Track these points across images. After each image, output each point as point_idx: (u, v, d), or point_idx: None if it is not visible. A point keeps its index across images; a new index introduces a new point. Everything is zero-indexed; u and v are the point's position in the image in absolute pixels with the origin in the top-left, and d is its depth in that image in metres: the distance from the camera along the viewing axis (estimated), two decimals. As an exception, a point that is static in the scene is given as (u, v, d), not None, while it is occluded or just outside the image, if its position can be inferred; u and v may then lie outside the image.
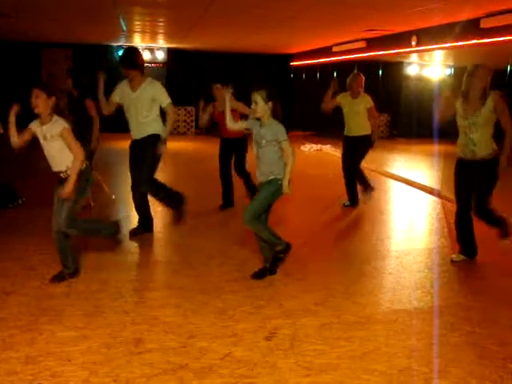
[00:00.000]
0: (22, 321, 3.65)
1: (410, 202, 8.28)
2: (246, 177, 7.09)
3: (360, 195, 7.42)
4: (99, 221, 5.40)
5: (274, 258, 4.63)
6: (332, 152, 12.76)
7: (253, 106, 4.39)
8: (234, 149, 7.03)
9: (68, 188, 4.12)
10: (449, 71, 16.82)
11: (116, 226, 4.79)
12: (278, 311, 3.95)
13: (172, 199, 5.80)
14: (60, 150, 4.19)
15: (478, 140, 4.86)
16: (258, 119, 4.43)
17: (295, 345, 3.45)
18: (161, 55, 16.61)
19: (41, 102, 4.10)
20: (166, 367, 3.12)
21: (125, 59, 5.45)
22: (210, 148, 10.37)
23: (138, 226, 5.81)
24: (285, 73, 17.71)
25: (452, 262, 5.15)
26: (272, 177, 4.46)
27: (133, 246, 5.49)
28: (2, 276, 4.46)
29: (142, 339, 3.45)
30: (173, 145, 12.85)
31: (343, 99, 7.17)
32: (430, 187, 8.81)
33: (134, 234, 5.70)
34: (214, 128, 7.28)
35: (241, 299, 4.16)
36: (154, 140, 5.49)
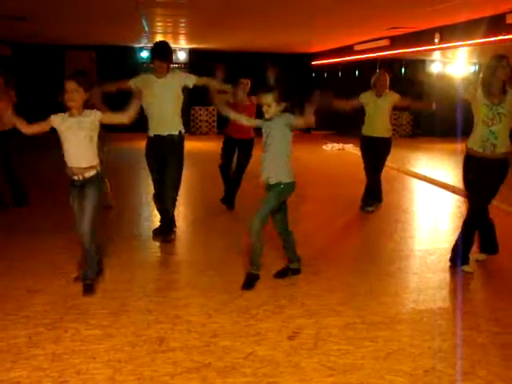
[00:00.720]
0: (47, 319, 3.70)
1: (433, 200, 8.19)
2: (236, 182, 7.06)
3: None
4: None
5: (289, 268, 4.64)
6: (354, 151, 12.69)
7: (265, 108, 4.28)
8: (239, 149, 6.94)
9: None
10: (473, 68, 16.59)
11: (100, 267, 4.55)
12: (301, 310, 3.94)
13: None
14: (87, 142, 4.07)
15: (499, 133, 4.64)
16: (268, 120, 4.36)
17: (319, 344, 3.44)
18: (183, 56, 16.69)
19: (78, 97, 3.98)
20: (190, 366, 3.14)
21: (162, 52, 5.33)
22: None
23: (162, 226, 5.77)
24: (306, 72, 17.65)
25: (476, 261, 5.07)
26: (277, 180, 4.36)
27: (156, 246, 5.52)
28: (27, 275, 4.52)
29: (165, 338, 3.47)
30: (194, 144, 12.92)
31: (367, 98, 7.04)
32: (453, 186, 8.70)
33: (157, 234, 5.73)
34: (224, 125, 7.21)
35: (264, 298, 4.15)
36: (180, 138, 5.48)
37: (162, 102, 5.34)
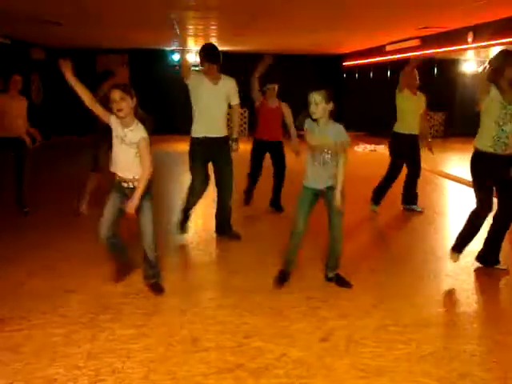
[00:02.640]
0: (83, 318, 3.77)
1: (466, 202, 8.05)
2: (254, 186, 7.12)
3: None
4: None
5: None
6: (387, 152, 12.58)
7: (313, 106, 4.18)
8: (271, 153, 6.95)
9: (134, 203, 3.92)
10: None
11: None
12: (334, 312, 3.93)
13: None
14: (133, 157, 3.99)
15: (510, 132, 4.51)
16: (315, 120, 4.27)
17: (351, 346, 3.43)
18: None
19: (126, 105, 3.89)
20: (223, 366, 3.16)
21: (213, 54, 5.42)
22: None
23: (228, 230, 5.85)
24: (337, 73, 17.57)
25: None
26: (332, 182, 4.29)
27: (189, 247, 5.57)
28: (63, 275, 4.62)
29: (198, 338, 3.51)
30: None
31: (404, 95, 6.88)
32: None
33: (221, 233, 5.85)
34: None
35: (296, 300, 4.16)
36: (227, 140, 5.57)
37: (215, 109, 5.39)
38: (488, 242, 4.89)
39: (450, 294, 4.37)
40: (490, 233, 4.87)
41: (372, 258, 5.31)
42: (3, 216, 6.51)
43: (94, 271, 4.71)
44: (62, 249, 5.33)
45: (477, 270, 4.90)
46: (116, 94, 3.88)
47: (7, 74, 6.56)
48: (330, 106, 4.20)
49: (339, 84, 17.30)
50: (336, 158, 4.24)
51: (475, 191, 4.78)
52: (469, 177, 8.54)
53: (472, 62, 16.41)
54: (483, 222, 4.73)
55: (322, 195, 4.36)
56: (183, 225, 5.87)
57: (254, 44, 14.28)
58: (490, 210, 4.68)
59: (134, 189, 4.03)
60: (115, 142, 4.04)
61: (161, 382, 2.99)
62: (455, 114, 16.86)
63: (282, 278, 4.48)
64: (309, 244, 5.53)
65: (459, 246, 4.87)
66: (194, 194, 5.67)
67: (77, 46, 15.09)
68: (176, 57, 16.70)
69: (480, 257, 4.95)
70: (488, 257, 4.90)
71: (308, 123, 4.34)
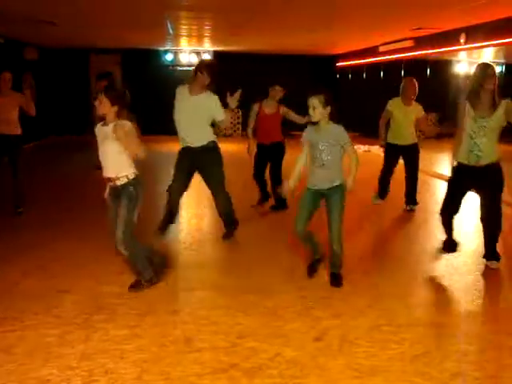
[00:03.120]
0: (76, 318, 3.76)
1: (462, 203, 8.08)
2: (265, 184, 7.14)
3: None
4: (152, 251, 4.68)
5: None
6: (381, 153, 12.63)
7: (310, 110, 4.24)
8: (270, 155, 6.99)
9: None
10: (500, 68, 16.36)
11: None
12: (328, 312, 3.94)
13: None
14: (116, 154, 4.10)
15: (483, 146, 4.61)
16: (314, 123, 4.32)
17: (345, 346, 3.44)
18: (207, 58, 16.79)
19: (106, 109, 4.09)
20: (217, 366, 3.16)
21: (206, 66, 5.42)
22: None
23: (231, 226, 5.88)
24: (330, 73, 17.61)
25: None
26: (338, 182, 4.35)
27: (182, 247, 5.57)
28: (56, 275, 4.60)
29: (192, 338, 3.51)
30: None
31: (396, 107, 7.03)
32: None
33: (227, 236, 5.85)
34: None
35: (290, 300, 4.17)
36: (215, 145, 5.57)
37: (194, 120, 5.42)
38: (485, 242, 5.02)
39: (443, 294, 4.39)
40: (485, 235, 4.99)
41: (365, 259, 5.33)
42: (2, 215, 6.51)
43: (87, 272, 4.70)
44: (57, 249, 5.32)
45: (469, 271, 4.92)
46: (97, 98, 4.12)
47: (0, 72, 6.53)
48: (328, 109, 4.24)
49: (332, 84, 17.34)
50: (336, 159, 4.31)
51: (446, 193, 5.03)
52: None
53: (465, 63, 16.48)
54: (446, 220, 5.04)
55: (323, 197, 4.40)
56: (164, 225, 5.80)
57: (247, 44, 14.29)
58: (448, 212, 5.04)
59: (118, 188, 4.15)
60: (100, 144, 4.18)
61: (154, 383, 2.99)
62: (448, 115, 16.91)
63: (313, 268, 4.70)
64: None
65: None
66: (172, 196, 5.70)
67: (70, 45, 15.05)
68: (169, 57, 16.68)
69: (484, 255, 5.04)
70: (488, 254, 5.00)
71: (308, 131, 4.41)
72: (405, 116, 6.98)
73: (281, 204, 7.02)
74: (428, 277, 4.79)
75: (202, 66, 5.44)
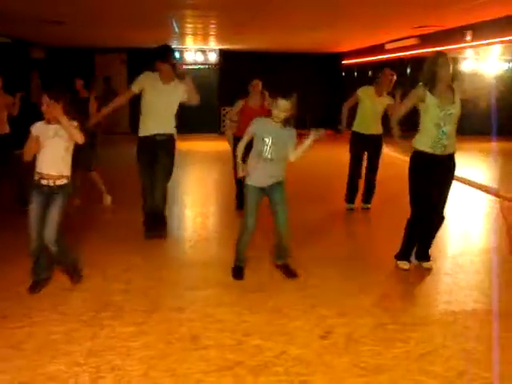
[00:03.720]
0: (83, 316, 3.78)
1: (465, 201, 8.08)
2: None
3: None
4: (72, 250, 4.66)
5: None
6: (387, 152, 12.60)
7: (280, 113, 4.26)
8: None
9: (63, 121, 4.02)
10: (506, 66, 16.31)
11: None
12: (333, 310, 3.95)
13: None
14: (63, 153, 4.16)
15: (449, 133, 4.57)
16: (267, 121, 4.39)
17: (350, 344, 3.44)
18: (213, 56, 16.80)
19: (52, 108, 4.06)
20: (222, 364, 3.17)
21: (166, 54, 5.51)
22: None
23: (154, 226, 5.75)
24: (336, 71, 17.59)
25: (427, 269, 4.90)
26: (281, 178, 4.48)
27: (187, 245, 5.59)
28: (62, 273, 4.61)
29: (197, 336, 3.52)
30: (222, 144, 12.99)
31: (365, 94, 6.87)
32: (486, 186, 8.57)
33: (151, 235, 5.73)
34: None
35: (295, 298, 4.18)
36: (174, 141, 5.61)
37: (167, 109, 5.50)
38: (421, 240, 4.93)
39: (449, 293, 4.38)
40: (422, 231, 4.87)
41: (371, 257, 5.33)
42: (2, 215, 6.54)
43: (93, 269, 4.71)
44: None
45: (475, 269, 4.92)
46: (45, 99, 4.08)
47: (7, 73, 6.57)
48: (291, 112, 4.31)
49: (338, 82, 17.33)
50: (280, 156, 4.37)
51: (411, 197, 4.76)
52: (467, 175, 8.57)
53: (471, 60, 16.43)
54: (419, 228, 4.80)
55: (266, 193, 4.47)
56: (147, 225, 5.77)
57: (252, 43, 14.29)
58: (423, 214, 4.74)
59: (54, 187, 4.13)
60: (45, 143, 4.12)
61: (160, 379, 3.01)
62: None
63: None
64: (309, 242, 5.56)
65: (404, 253, 4.89)
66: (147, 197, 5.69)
67: (75, 45, 15.09)
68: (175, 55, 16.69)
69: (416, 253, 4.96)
70: (419, 253, 4.94)
71: (261, 124, 4.42)
72: (373, 105, 6.81)
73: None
74: (434, 275, 4.78)
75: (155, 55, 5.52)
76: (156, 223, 5.71)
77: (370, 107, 6.82)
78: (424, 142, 4.61)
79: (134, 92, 5.54)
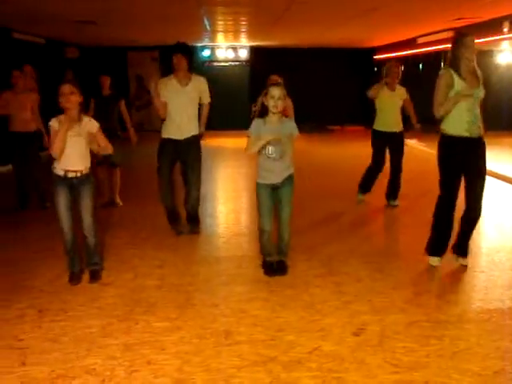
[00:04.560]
0: (118, 311, 3.86)
1: (501, 197, 7.92)
2: None
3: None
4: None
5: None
6: (420, 147, 12.44)
7: (277, 101, 4.22)
8: None
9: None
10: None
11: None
12: (366, 307, 3.93)
13: None
14: (86, 149, 4.30)
15: (480, 116, 4.48)
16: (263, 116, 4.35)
17: (383, 341, 3.42)
18: (244, 53, 16.85)
19: (74, 100, 4.17)
20: (256, 359, 3.20)
21: (178, 47, 5.63)
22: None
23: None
24: (369, 66, 17.44)
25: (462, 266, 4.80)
26: (291, 172, 4.45)
27: (220, 242, 5.63)
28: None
29: (231, 331, 3.55)
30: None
31: (381, 92, 6.82)
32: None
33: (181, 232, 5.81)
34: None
35: (328, 294, 4.17)
36: (198, 141, 5.64)
37: (186, 112, 5.52)
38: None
39: (484, 290, 4.31)
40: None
41: (405, 254, 5.29)
42: (32, 212, 6.70)
43: (126, 265, 4.80)
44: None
45: (510, 267, 4.83)
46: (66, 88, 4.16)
47: (43, 72, 6.70)
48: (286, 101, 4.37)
49: (371, 77, 17.17)
50: (286, 151, 4.35)
51: (442, 180, 4.63)
52: (500, 170, 8.39)
53: (507, 52, 16.04)
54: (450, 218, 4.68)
55: (276, 189, 4.45)
56: (171, 221, 5.84)
57: (284, 39, 14.26)
58: (455, 199, 4.61)
59: (82, 178, 4.26)
60: (69, 139, 4.18)
61: (194, 374, 3.04)
62: (489, 107, 16.52)
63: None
64: (338, 238, 5.55)
65: (434, 247, 4.79)
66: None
67: (108, 43, 15.30)
68: (206, 52, 16.78)
69: (453, 247, 4.85)
70: (458, 247, 4.83)
71: (255, 125, 4.39)
72: (389, 99, 6.78)
73: None
74: (468, 272, 4.71)
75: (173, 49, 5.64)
76: (189, 221, 5.83)
77: (388, 103, 6.81)
78: (459, 126, 4.50)
79: (165, 102, 5.51)
